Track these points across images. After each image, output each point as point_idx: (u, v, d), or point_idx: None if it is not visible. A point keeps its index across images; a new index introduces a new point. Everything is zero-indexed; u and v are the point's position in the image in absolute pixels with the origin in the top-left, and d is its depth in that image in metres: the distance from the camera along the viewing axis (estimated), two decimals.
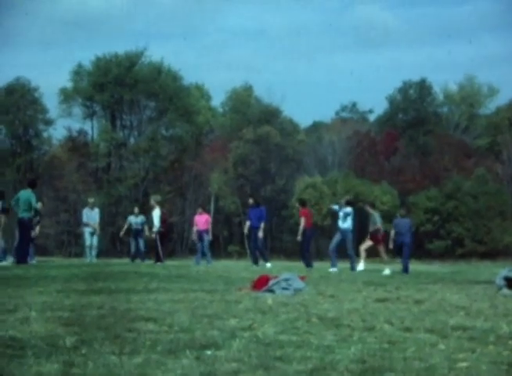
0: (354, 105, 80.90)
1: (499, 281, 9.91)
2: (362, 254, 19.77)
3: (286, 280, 9.37)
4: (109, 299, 7.81)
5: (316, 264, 22.66)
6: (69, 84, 67.83)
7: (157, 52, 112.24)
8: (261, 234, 20.22)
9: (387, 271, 17.67)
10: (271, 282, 9.32)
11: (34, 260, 21.01)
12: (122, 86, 64.65)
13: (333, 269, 18.29)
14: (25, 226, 17.88)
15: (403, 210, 20.53)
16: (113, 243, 57.03)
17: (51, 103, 68.03)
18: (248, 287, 9.61)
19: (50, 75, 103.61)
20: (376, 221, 19.50)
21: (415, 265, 23.82)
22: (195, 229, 23.18)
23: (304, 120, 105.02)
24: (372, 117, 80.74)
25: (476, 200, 60.47)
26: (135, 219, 23.75)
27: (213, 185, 63.70)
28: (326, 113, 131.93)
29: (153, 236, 21.96)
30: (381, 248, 19.75)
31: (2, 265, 16.95)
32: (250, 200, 21.28)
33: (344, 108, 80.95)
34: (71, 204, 61.29)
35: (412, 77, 75.69)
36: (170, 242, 52.72)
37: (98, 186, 63.18)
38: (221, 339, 5.07)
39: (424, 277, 15.56)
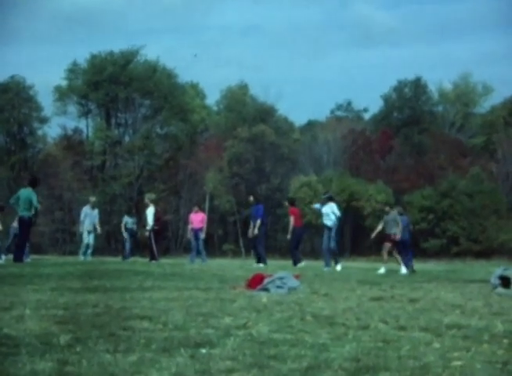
0: (349, 104, 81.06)
1: (494, 280, 9.91)
2: (385, 256, 19.24)
3: (281, 278, 9.37)
4: (103, 297, 7.79)
5: (313, 263, 22.63)
6: (64, 83, 67.91)
7: (152, 50, 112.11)
8: (256, 231, 20.05)
9: (382, 270, 17.78)
10: (265, 280, 9.32)
11: (29, 258, 20.98)
12: (117, 84, 64.57)
13: (327, 268, 18.28)
14: (25, 225, 17.82)
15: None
16: (108, 241, 57.03)
17: (46, 101, 68.09)
18: (243, 286, 9.60)
19: (45, 73, 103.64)
20: (399, 225, 18.88)
21: None
22: (190, 227, 23.16)
23: (299, 118, 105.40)
24: (367, 116, 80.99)
25: (471, 198, 60.55)
26: (130, 219, 23.77)
27: (208, 183, 63.65)
28: (321, 111, 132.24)
29: (147, 234, 21.90)
30: (388, 248, 19.22)
31: None
32: (251, 198, 21.16)
33: (339, 107, 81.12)
34: (66, 202, 61.25)
35: (408, 76, 75.91)
36: (164, 240, 52.72)
37: (93, 185, 63.14)
38: (216, 337, 5.06)
39: (419, 276, 15.60)
